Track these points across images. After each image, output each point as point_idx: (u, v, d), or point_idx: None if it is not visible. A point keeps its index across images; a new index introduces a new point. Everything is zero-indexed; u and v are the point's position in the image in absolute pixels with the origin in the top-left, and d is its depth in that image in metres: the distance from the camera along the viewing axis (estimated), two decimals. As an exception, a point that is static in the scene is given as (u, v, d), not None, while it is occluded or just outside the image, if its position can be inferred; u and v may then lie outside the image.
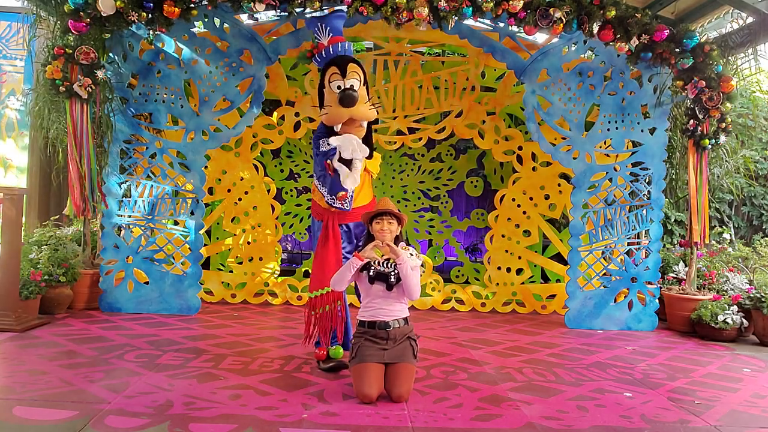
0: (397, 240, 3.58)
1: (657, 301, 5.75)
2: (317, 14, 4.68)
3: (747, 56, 6.13)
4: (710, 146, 5.53)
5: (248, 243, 6.40)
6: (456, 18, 4.94)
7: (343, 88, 3.84)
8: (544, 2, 4.99)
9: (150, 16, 4.94)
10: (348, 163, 3.82)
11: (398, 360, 3.45)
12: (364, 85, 4.00)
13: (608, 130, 5.75)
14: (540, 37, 6.47)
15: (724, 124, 5.46)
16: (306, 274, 6.96)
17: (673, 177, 6.26)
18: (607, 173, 5.76)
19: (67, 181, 5.12)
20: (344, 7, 4.72)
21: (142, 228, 5.60)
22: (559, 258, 6.66)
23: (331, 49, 4.01)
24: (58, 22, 5.18)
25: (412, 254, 3.50)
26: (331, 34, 4.04)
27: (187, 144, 5.57)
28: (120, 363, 3.91)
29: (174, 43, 5.51)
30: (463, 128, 6.53)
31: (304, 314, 4.05)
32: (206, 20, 5.43)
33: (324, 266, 3.91)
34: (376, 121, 4.42)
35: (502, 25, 5.41)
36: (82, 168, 5.03)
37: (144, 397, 3.27)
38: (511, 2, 4.90)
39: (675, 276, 6.13)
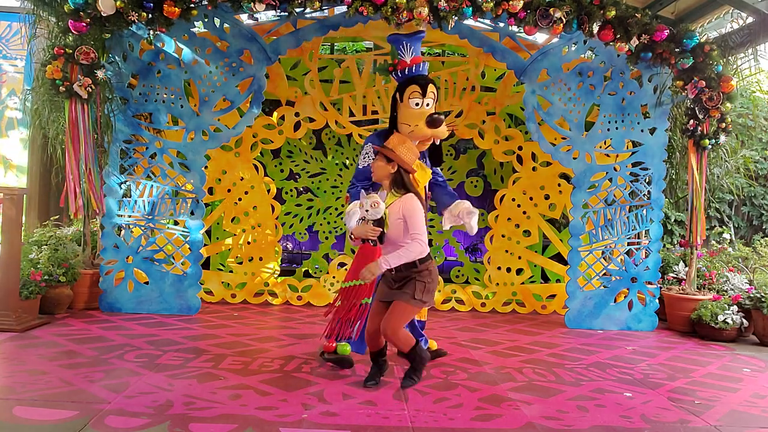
0: (398, 183, 3.66)
1: (657, 301, 5.75)
2: (406, 32, 4.65)
3: (747, 56, 6.13)
4: (710, 146, 5.53)
5: (248, 243, 6.40)
6: (456, 18, 4.94)
7: (431, 112, 4.09)
8: (544, 2, 4.98)
9: (150, 16, 4.94)
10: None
11: (395, 298, 3.61)
12: (435, 103, 4.27)
13: (608, 130, 5.75)
14: (540, 37, 6.47)
15: (724, 124, 5.46)
16: (306, 274, 6.97)
17: (673, 177, 6.26)
18: (607, 173, 5.76)
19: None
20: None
21: (142, 228, 5.60)
22: (559, 258, 6.66)
23: (414, 69, 4.24)
24: (58, 22, 5.18)
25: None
26: (413, 54, 4.26)
27: (187, 144, 5.57)
28: (120, 363, 3.91)
29: (174, 43, 5.51)
30: (463, 128, 6.53)
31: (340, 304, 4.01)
32: (206, 20, 5.43)
33: (361, 259, 3.94)
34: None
35: (502, 25, 5.41)
36: (80, 168, 5.03)
37: (144, 397, 3.27)
38: (511, 2, 4.90)
39: (675, 276, 6.13)
